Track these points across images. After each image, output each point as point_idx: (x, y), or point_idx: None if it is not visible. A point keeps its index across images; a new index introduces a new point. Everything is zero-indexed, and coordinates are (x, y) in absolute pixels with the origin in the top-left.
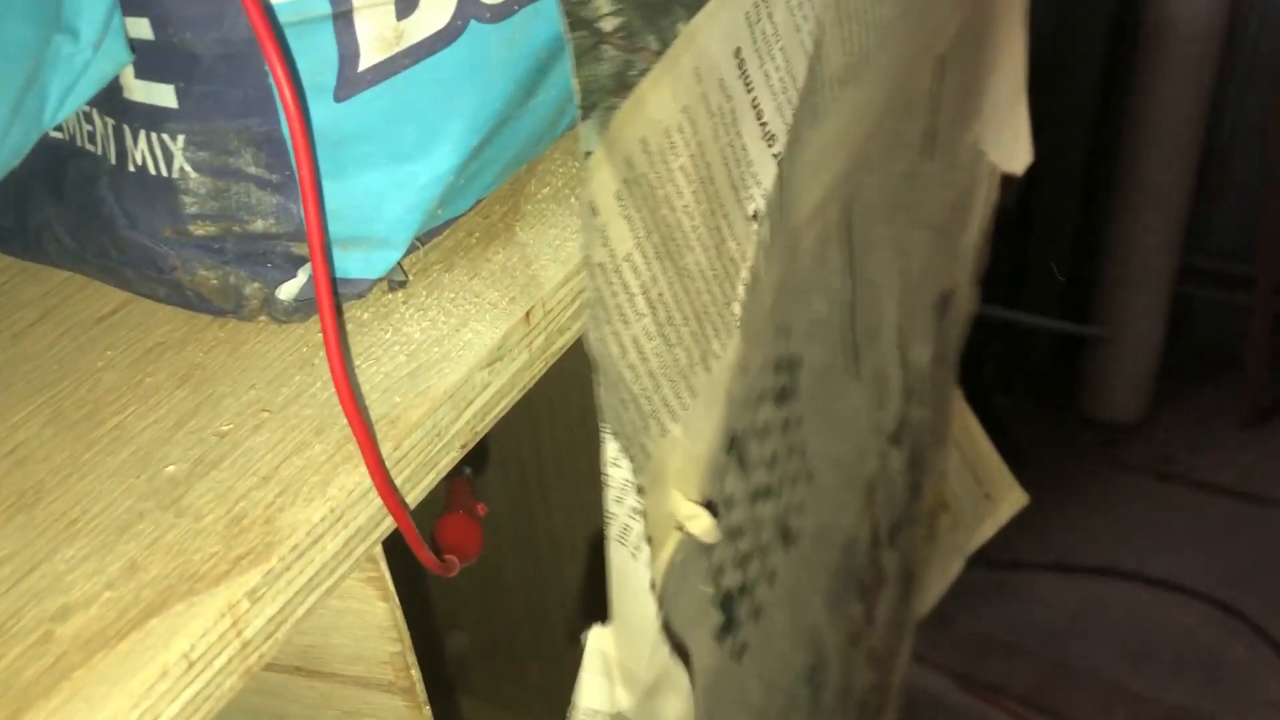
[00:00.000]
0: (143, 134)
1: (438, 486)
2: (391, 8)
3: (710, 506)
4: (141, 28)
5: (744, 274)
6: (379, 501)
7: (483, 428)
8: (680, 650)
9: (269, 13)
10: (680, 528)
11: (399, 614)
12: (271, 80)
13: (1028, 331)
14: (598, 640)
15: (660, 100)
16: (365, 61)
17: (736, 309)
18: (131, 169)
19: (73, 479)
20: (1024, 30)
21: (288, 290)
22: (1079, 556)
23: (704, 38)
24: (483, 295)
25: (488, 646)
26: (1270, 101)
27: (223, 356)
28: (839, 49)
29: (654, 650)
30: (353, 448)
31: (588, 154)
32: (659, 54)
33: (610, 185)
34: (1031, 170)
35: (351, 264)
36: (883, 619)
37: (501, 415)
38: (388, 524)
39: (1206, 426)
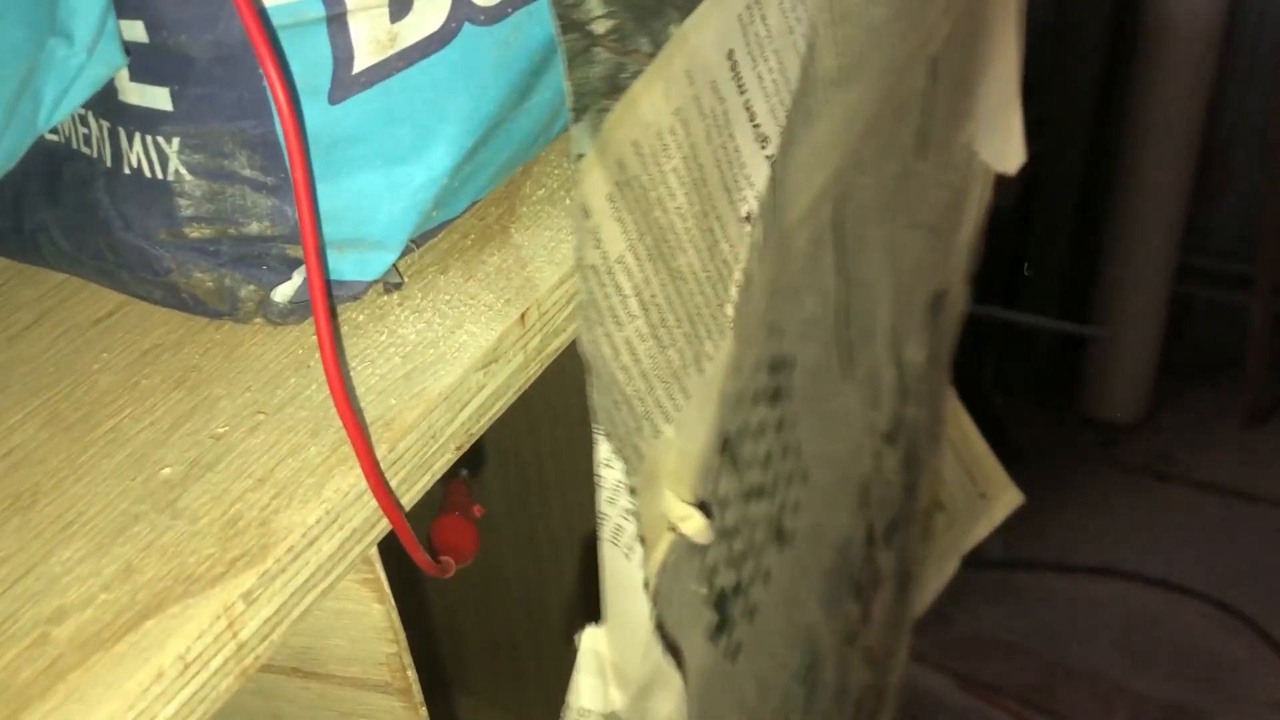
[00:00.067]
0: (138, 137)
1: (433, 488)
2: (385, 10)
3: (703, 507)
4: (136, 30)
5: (737, 275)
6: (374, 503)
7: (478, 430)
8: (673, 650)
9: (263, 16)
10: (673, 528)
11: (395, 615)
12: (266, 83)
13: (1027, 331)
14: (591, 640)
15: (653, 102)
16: (359, 64)
17: (729, 310)
18: (127, 171)
19: (69, 481)
20: (1017, 31)
21: (283, 292)
22: (1078, 556)
23: (696, 40)
24: (478, 297)
25: (485, 647)
26: (1270, 101)
27: (218, 359)
28: (832, 50)
29: (647, 650)
30: (348, 450)
31: (580, 156)
32: (651, 56)
33: (602, 187)
34: (1031, 170)
35: (346, 266)
36: (879, 618)
37: (497, 417)
38: (383, 526)
39: (1206, 426)
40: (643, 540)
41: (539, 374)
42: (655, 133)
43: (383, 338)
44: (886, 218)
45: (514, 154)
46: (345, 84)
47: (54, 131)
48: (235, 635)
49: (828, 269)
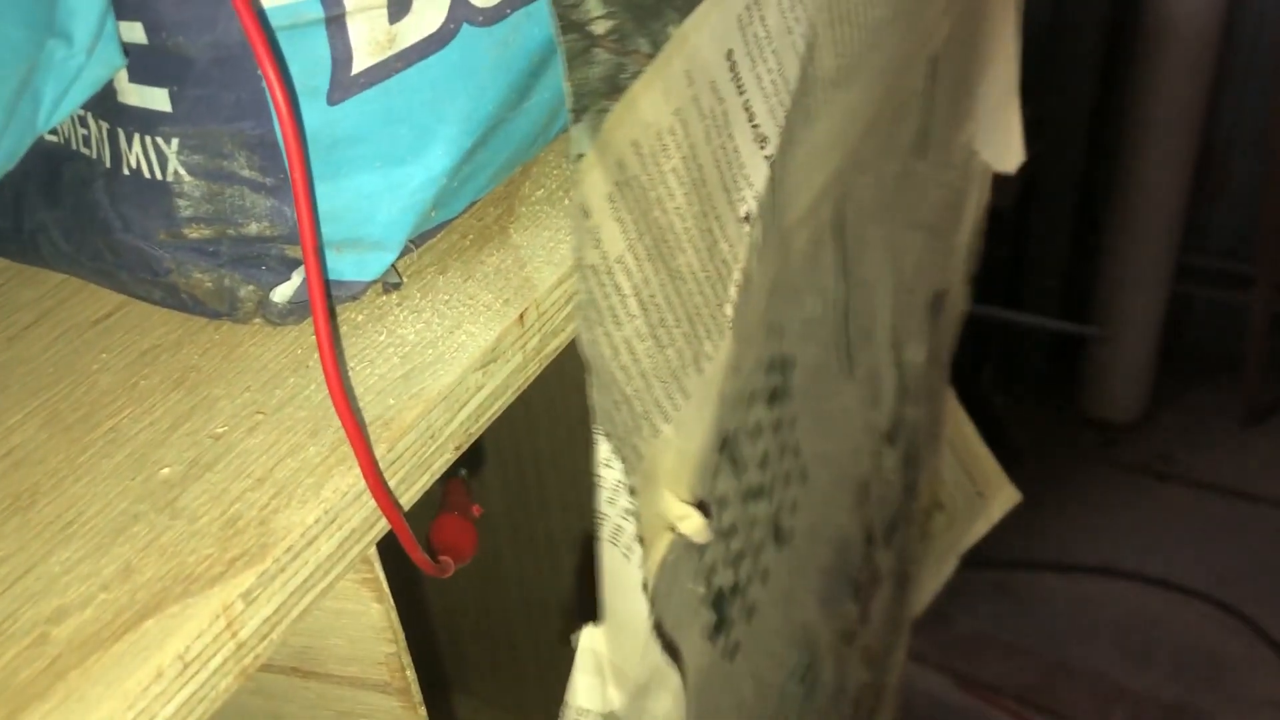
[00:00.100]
0: (137, 137)
1: (432, 488)
2: (384, 11)
3: (702, 506)
4: (135, 32)
5: (736, 275)
6: (373, 503)
7: (477, 429)
8: (671, 649)
9: (261, 17)
10: (672, 528)
11: (394, 615)
12: (265, 84)
13: (1027, 331)
14: (590, 639)
15: (652, 102)
16: (358, 65)
17: (729, 310)
18: (126, 172)
19: (68, 481)
20: (1016, 31)
21: (282, 293)
22: (1078, 556)
23: (696, 40)
24: (477, 297)
25: (484, 646)
26: (1269, 101)
27: (218, 359)
28: (831, 51)
29: (645, 650)
30: (347, 450)
31: (579, 156)
32: (651, 57)
33: (602, 187)
34: (1030, 170)
35: (345, 266)
36: (877, 618)
37: (496, 417)
38: (382, 525)
39: (1205, 426)
40: (641, 540)
41: (538, 374)
42: (654, 133)
43: (381, 338)
44: (886, 218)
45: (513, 154)
46: (344, 85)
47: (53, 132)
48: (234, 635)
49: (827, 269)
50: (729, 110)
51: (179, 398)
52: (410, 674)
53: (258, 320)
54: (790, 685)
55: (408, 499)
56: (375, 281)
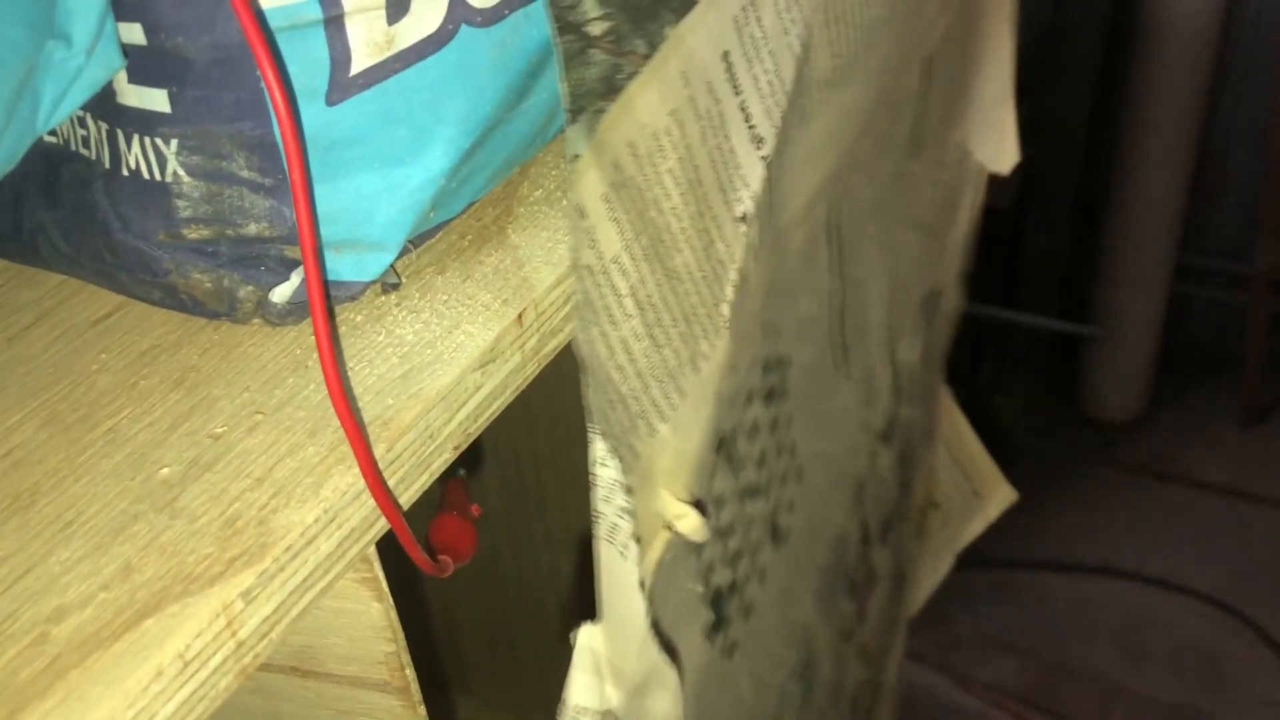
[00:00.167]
0: (136, 138)
1: (431, 487)
2: (383, 12)
3: (699, 505)
4: (134, 33)
5: (732, 275)
6: (372, 503)
7: (475, 429)
8: (669, 648)
9: (260, 18)
10: (669, 527)
11: (393, 614)
12: (263, 85)
13: (1026, 331)
14: (587, 638)
15: (648, 103)
16: (357, 66)
17: (725, 310)
18: (125, 173)
19: (68, 481)
20: (1011, 31)
21: (281, 293)
22: (1078, 556)
23: (692, 41)
24: (475, 297)
25: (483, 645)
26: (1267, 100)
27: (217, 359)
28: (827, 51)
29: (643, 648)
30: (346, 449)
31: (576, 157)
32: (647, 57)
33: (598, 188)
34: (1029, 170)
35: (344, 267)
36: (874, 616)
37: (494, 416)
38: (381, 525)
39: (1204, 425)
40: (638, 539)
41: (536, 374)
42: (651, 134)
43: (380, 338)
44: (881, 217)
45: (511, 155)
46: (343, 86)
47: (53, 133)
48: (234, 634)
49: (823, 268)
50: (725, 111)
51: (178, 398)
52: (410, 673)
53: (257, 320)
54: (789, 684)
55: (407, 499)
56: (374, 282)
